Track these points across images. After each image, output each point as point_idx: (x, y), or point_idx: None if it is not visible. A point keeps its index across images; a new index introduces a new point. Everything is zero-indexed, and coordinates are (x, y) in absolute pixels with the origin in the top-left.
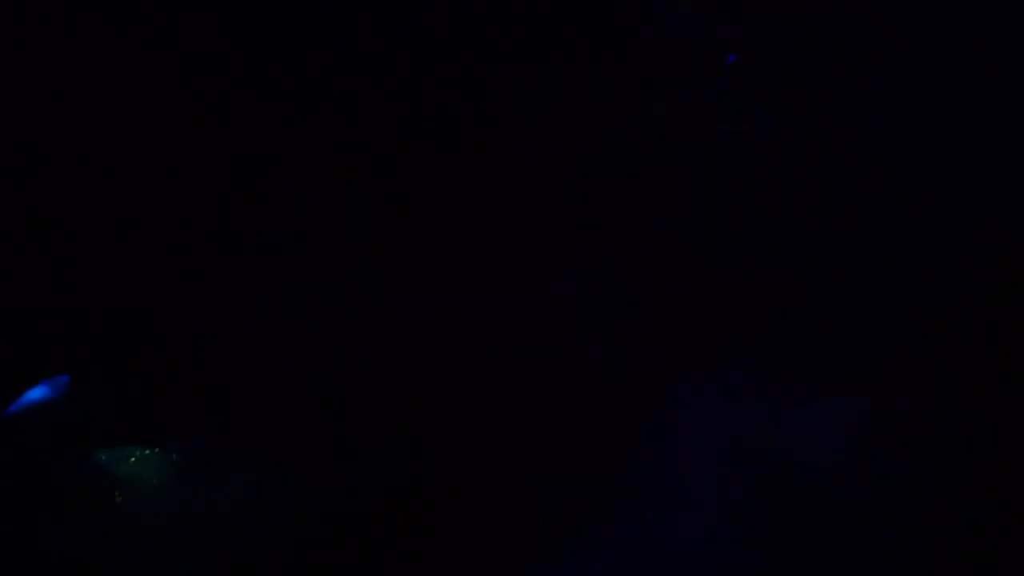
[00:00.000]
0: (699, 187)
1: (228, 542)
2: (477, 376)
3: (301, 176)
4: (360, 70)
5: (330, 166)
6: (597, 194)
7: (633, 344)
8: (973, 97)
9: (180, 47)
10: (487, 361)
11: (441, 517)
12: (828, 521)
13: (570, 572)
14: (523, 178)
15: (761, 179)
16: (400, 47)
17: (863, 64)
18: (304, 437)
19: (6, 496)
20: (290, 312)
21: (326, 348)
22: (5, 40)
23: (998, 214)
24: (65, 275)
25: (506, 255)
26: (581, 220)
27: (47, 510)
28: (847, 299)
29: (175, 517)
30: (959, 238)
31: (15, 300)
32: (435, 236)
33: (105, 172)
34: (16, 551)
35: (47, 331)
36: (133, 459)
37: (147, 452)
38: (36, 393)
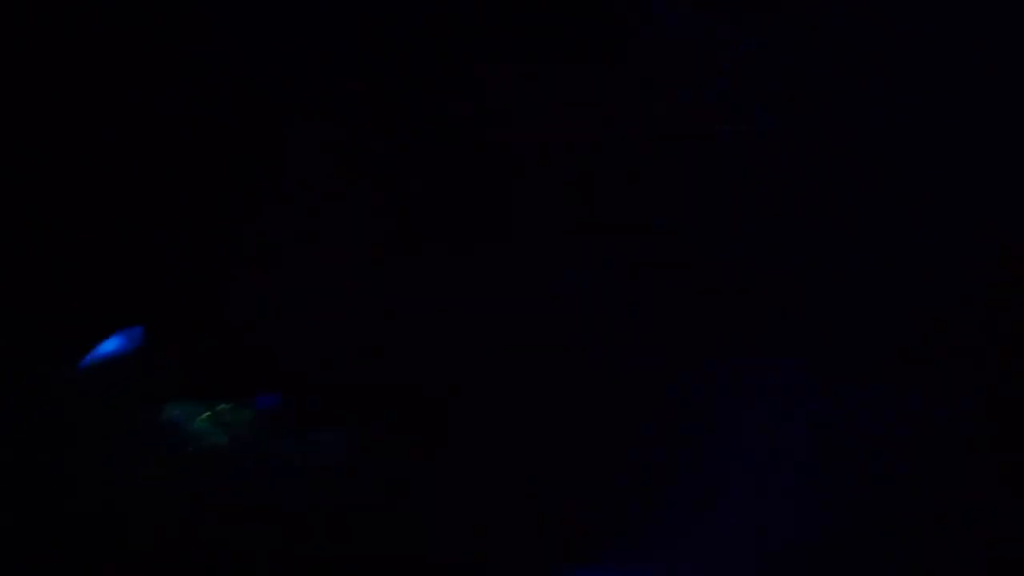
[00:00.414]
0: (699, 187)
1: (298, 502)
2: (477, 376)
3: (301, 176)
4: (360, 70)
5: (330, 166)
6: (597, 194)
7: (633, 344)
8: (973, 97)
9: (180, 47)
10: (487, 361)
11: (443, 516)
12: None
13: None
14: (523, 178)
15: (761, 179)
16: (400, 47)
17: (863, 64)
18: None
19: (78, 450)
20: (290, 312)
21: (326, 348)
22: (5, 40)
23: (998, 214)
24: (65, 275)
25: (506, 255)
26: (581, 220)
27: (119, 464)
28: (847, 299)
29: (249, 475)
30: (959, 238)
31: (14, 300)
32: (435, 236)
33: (105, 172)
34: (85, 503)
35: (47, 332)
36: (207, 415)
37: (221, 408)
38: (110, 345)
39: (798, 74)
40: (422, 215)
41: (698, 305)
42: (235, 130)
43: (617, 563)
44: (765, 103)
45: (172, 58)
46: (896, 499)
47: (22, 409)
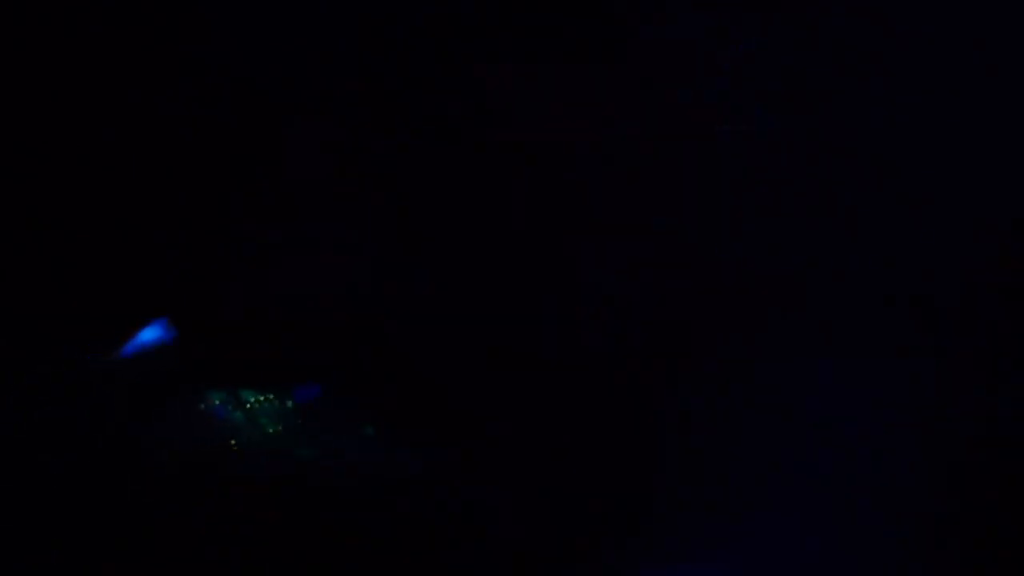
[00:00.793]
0: (699, 187)
1: (337, 498)
2: (477, 376)
3: (301, 176)
4: (360, 70)
5: (330, 166)
6: (597, 194)
7: (633, 344)
8: (973, 97)
9: (180, 47)
10: (487, 361)
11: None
12: None
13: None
14: (523, 178)
15: (761, 179)
16: (400, 47)
17: (863, 64)
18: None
19: (118, 444)
20: (290, 312)
21: (326, 348)
22: (5, 40)
23: (998, 214)
24: (65, 275)
25: (506, 255)
26: (581, 220)
27: (159, 458)
28: (847, 299)
29: (289, 468)
30: (959, 238)
31: (13, 301)
32: (435, 236)
33: (105, 172)
34: (127, 494)
35: (46, 332)
36: (248, 405)
37: (263, 399)
38: (149, 334)
39: (798, 74)
40: (422, 215)
41: (698, 305)
42: (235, 130)
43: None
44: (765, 103)
45: (172, 58)
46: (896, 499)
47: (49, 401)
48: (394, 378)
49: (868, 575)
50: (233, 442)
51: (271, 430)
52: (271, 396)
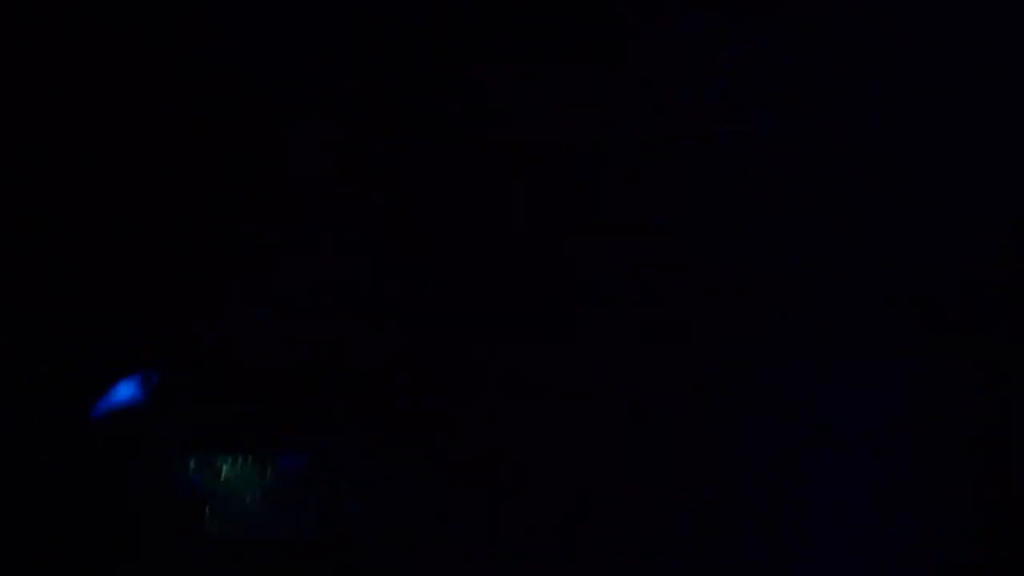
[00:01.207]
0: (699, 187)
1: (318, 568)
2: (477, 376)
3: (301, 176)
4: (360, 70)
5: (330, 166)
6: (597, 194)
7: (633, 344)
8: (973, 97)
9: (180, 47)
10: (487, 361)
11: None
12: None
13: None
14: (523, 178)
15: (761, 179)
16: (400, 47)
17: (863, 64)
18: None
19: (89, 507)
20: (290, 312)
21: (325, 348)
22: (5, 40)
23: (998, 214)
24: (64, 275)
25: (506, 255)
26: (581, 220)
27: (132, 522)
28: (847, 299)
29: (268, 534)
30: (959, 238)
31: (12, 301)
32: (435, 236)
33: (104, 172)
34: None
35: (46, 332)
36: (225, 468)
37: (240, 462)
38: (122, 392)
39: (798, 74)
40: (422, 215)
41: (698, 305)
42: (235, 130)
43: None
44: (765, 103)
45: (172, 58)
46: (896, 499)
47: (49, 401)
48: (389, 417)
49: (868, 575)
50: (208, 509)
51: (248, 500)
52: (250, 461)
